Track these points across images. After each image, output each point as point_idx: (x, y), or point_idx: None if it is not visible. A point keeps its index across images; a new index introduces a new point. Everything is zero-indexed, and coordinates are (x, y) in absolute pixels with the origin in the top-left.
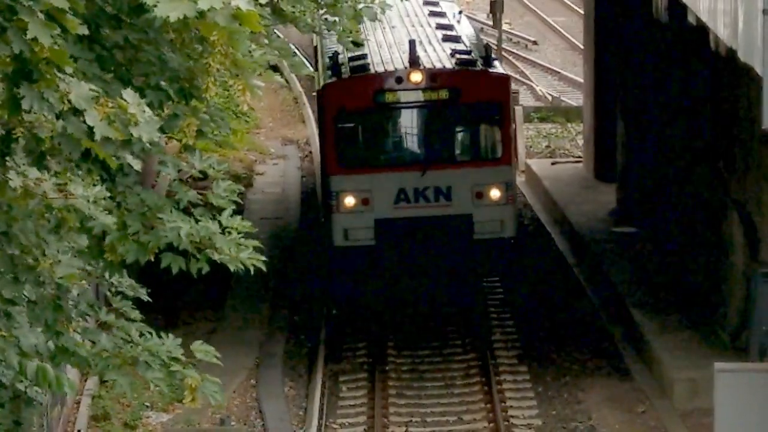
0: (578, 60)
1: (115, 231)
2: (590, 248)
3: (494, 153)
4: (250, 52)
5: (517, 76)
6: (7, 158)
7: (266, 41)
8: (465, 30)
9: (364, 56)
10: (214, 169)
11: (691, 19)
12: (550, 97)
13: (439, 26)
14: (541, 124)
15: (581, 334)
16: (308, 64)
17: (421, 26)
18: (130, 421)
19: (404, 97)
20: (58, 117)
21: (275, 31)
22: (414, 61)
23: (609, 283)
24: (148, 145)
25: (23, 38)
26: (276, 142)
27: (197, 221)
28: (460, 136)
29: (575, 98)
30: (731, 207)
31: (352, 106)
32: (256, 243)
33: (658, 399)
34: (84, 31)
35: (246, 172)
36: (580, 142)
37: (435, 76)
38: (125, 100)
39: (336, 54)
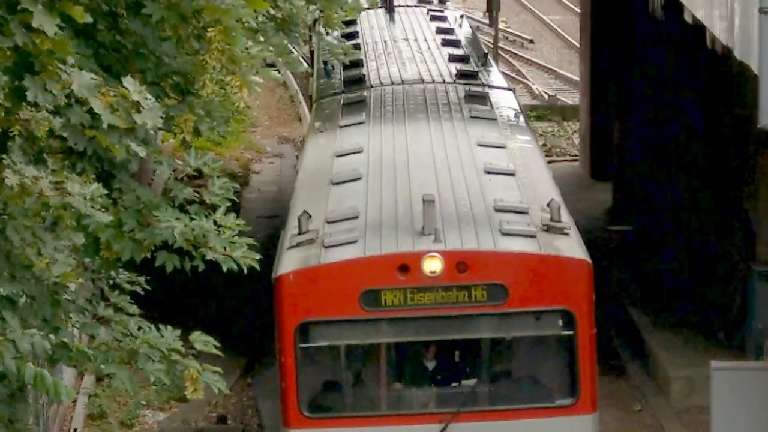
0: (575, 58)
1: (111, 228)
2: (586, 246)
3: (564, 393)
4: (247, 48)
5: (514, 75)
6: (4, 156)
7: (262, 39)
8: (525, 158)
9: (351, 220)
10: (209, 166)
11: (687, 17)
12: (546, 96)
13: (484, 144)
14: (538, 123)
15: None
16: (305, 62)
17: (456, 147)
18: (127, 419)
19: (412, 298)
20: (57, 110)
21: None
22: (429, 235)
23: (605, 282)
24: (152, 132)
25: (24, 30)
26: (272, 141)
27: (192, 219)
28: (505, 364)
29: (572, 97)
30: (728, 206)
31: (326, 315)
32: (250, 240)
33: (654, 397)
34: (88, 19)
35: (242, 170)
36: (577, 140)
37: (464, 264)
38: (126, 88)
39: (306, 216)
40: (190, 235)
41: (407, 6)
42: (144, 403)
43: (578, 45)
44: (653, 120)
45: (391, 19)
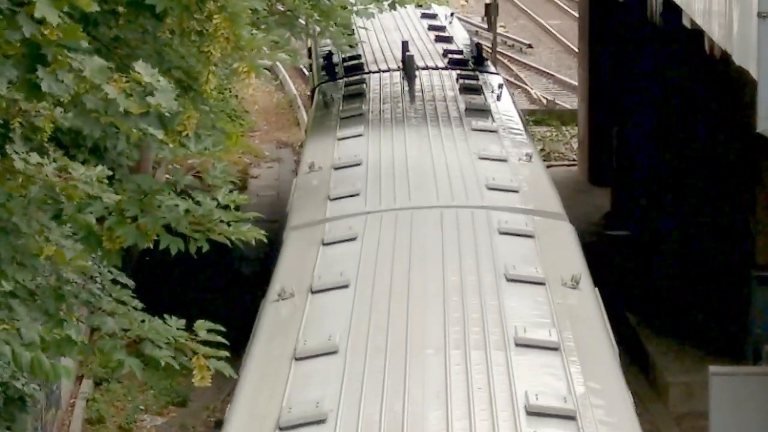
0: (573, 63)
1: (114, 215)
2: (584, 251)
3: None
4: (252, 34)
5: (512, 80)
6: (7, 146)
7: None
8: (585, 359)
9: None
10: (208, 150)
11: (685, 21)
12: (544, 101)
13: (526, 345)
14: (536, 128)
15: None
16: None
17: (484, 348)
18: (125, 424)
19: None
20: (61, 103)
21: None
22: None
23: (603, 286)
24: (167, 114)
25: (33, 22)
26: (270, 145)
27: (195, 202)
28: None
29: (570, 101)
30: (726, 211)
31: None
32: (255, 213)
33: (652, 402)
34: (94, 8)
35: (240, 175)
36: (575, 145)
37: None
38: (138, 72)
39: None
40: (195, 214)
41: (435, 67)
42: (142, 407)
43: (577, 50)
44: (652, 125)
45: (410, 90)
